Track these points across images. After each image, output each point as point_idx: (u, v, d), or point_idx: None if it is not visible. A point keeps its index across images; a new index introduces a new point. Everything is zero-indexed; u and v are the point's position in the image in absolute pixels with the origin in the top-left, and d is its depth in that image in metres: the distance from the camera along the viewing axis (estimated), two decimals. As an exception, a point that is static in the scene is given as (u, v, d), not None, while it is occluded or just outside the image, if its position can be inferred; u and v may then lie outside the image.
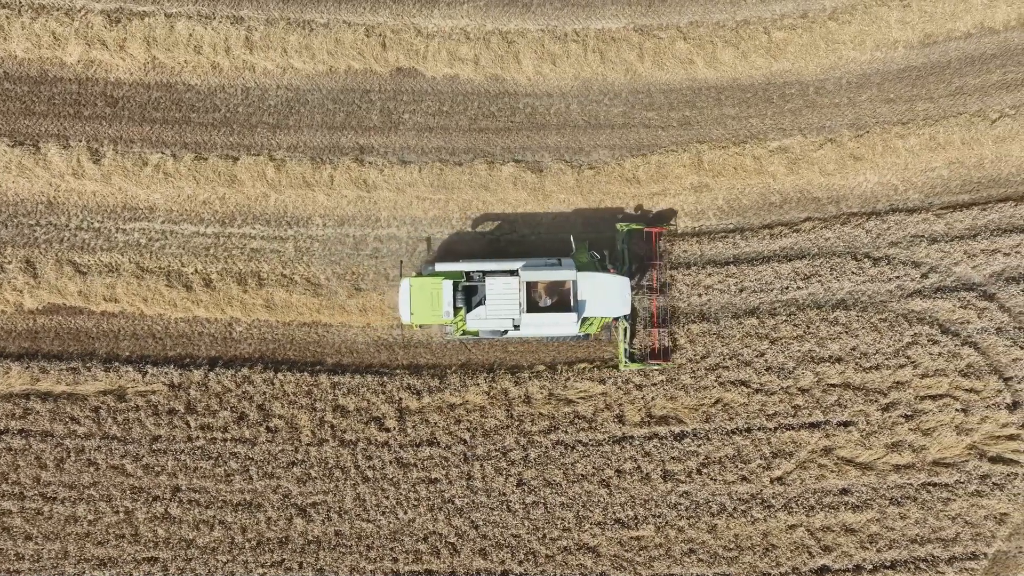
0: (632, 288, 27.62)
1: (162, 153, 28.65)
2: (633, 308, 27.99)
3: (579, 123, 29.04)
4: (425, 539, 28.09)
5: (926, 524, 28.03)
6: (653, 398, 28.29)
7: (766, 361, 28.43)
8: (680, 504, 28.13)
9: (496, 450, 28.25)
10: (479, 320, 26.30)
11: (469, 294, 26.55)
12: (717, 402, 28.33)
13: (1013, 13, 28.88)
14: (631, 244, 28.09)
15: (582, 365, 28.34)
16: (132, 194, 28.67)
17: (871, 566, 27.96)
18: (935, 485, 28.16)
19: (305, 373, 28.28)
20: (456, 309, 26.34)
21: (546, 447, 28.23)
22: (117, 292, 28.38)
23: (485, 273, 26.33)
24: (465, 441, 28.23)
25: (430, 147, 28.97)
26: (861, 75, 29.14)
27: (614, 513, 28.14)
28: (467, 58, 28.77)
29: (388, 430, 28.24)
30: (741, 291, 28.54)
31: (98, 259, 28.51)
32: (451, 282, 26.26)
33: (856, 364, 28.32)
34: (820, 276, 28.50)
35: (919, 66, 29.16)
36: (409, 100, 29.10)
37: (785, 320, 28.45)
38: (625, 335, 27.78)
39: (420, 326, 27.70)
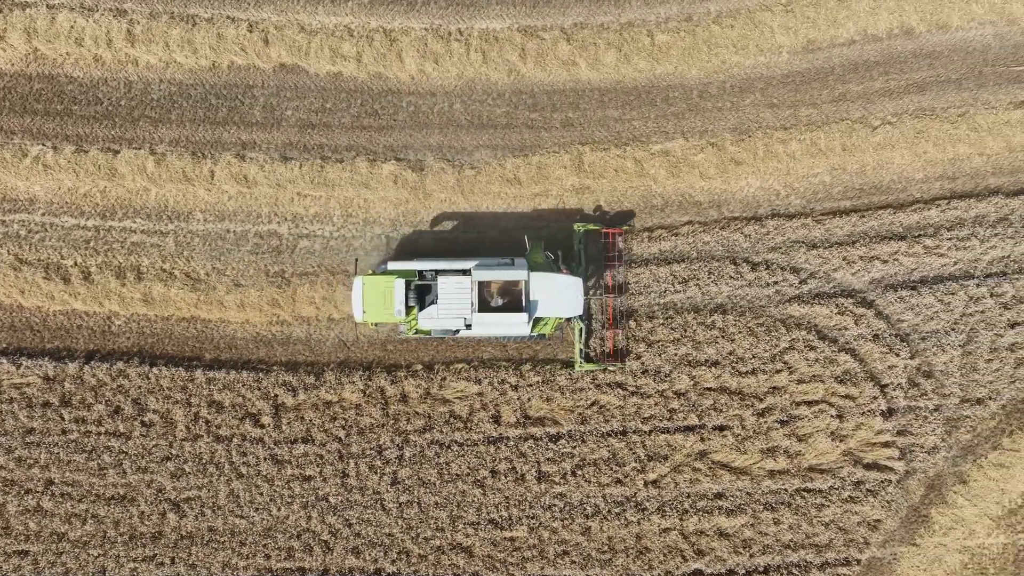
0: (589, 288, 27.60)
1: (43, 145, 28.57)
2: (590, 308, 27.92)
3: (462, 122, 29.00)
4: (298, 536, 28.04)
5: (800, 529, 28.04)
6: (529, 399, 28.26)
7: (642, 364, 28.41)
8: (554, 505, 28.11)
9: (371, 448, 28.21)
10: (431, 319, 26.19)
11: (423, 293, 26.42)
12: (593, 404, 28.30)
13: (895, 21, 28.91)
14: (588, 244, 28.06)
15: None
16: (11, 186, 28.59)
17: (744, 571, 27.96)
18: (809, 491, 28.18)
19: (181, 368, 28.21)
20: (409, 308, 26.20)
21: (421, 446, 28.20)
22: (-7, 284, 28.35)
23: (437, 272, 26.20)
24: (340, 439, 28.19)
25: (312, 144, 28.92)
26: (745, 79, 29.13)
27: (488, 513, 28.10)
28: (350, 55, 28.72)
29: (263, 427, 28.18)
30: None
31: (-25, 250, 28.48)
32: (403, 281, 26.11)
33: (732, 368, 28.32)
34: (698, 280, 28.49)
35: (803, 71, 29.17)
36: (292, 96, 29.05)
37: (662, 323, 28.44)
38: (581, 335, 27.73)
39: (375, 324, 27.53)
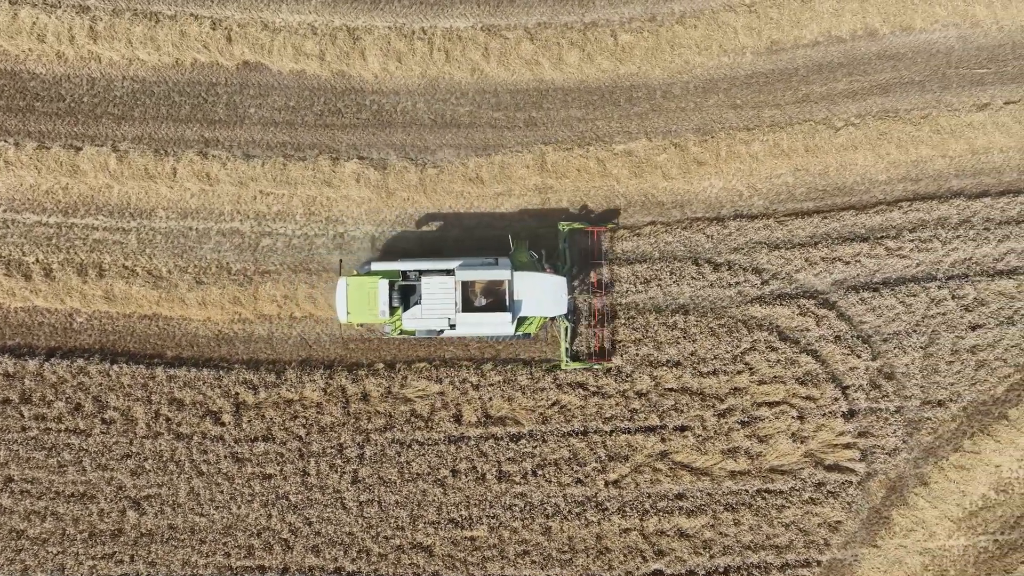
0: (575, 287, 27.70)
1: (4, 141, 28.52)
2: (576, 307, 27.94)
3: (425, 121, 28.98)
4: (259, 534, 28.01)
5: (760, 531, 28.04)
6: (490, 398, 28.24)
7: (604, 364, 28.40)
8: (515, 505, 28.09)
9: (331, 447, 28.18)
10: (415, 319, 26.13)
11: (407, 293, 26.34)
12: (554, 404, 28.28)
13: (859, 22, 28.90)
14: (573, 243, 28.05)
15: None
16: (-27, 182, 28.58)
17: (704, 571, 27.95)
18: (770, 492, 28.18)
19: (141, 366, 28.16)
20: (393, 308, 26.14)
21: (382, 445, 28.17)
22: (-46, 280, 28.31)
23: (421, 272, 26.14)
24: (301, 437, 28.16)
25: (275, 142, 28.89)
26: (708, 80, 29.13)
27: (448, 513, 28.08)
28: (312, 53, 28.69)
29: (224, 424, 28.15)
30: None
31: (-64, 246, 28.45)
32: (387, 281, 26.06)
33: (694, 369, 28.32)
34: (660, 280, 28.47)
35: (766, 72, 29.16)
36: (255, 94, 29.01)
37: (624, 323, 28.42)
38: (566, 334, 27.70)
39: (360, 325, 27.42)
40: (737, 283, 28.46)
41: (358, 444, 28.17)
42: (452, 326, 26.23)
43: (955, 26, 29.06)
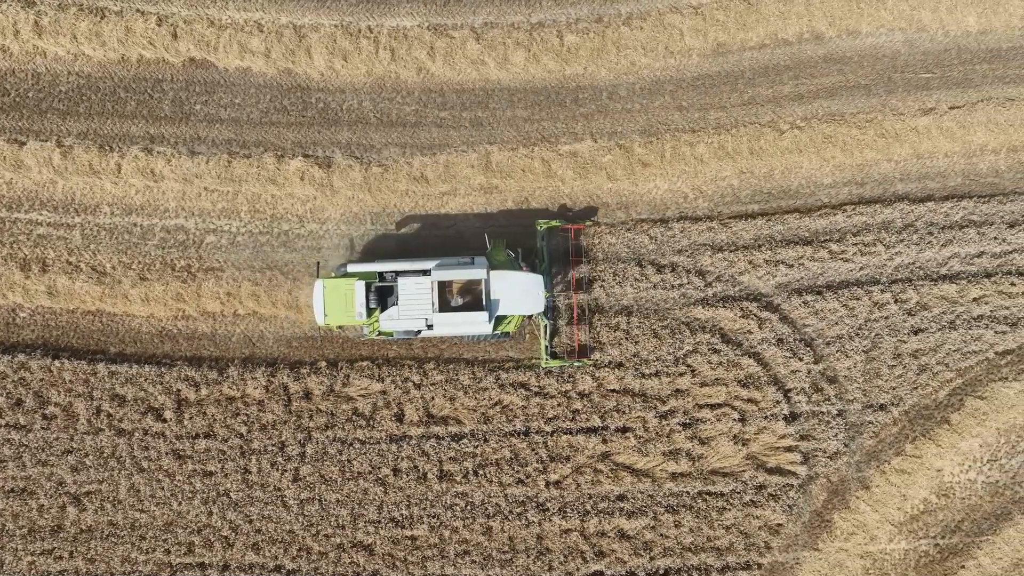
0: (554, 285, 27.77)
1: (-52, 136, 28.50)
2: (555, 306, 27.94)
3: (371, 120, 28.96)
4: (199, 531, 27.99)
5: (701, 533, 28.06)
6: (432, 398, 28.23)
7: (547, 364, 28.41)
8: (456, 505, 28.08)
9: (273, 445, 28.16)
10: (392, 320, 26.10)
11: (384, 294, 26.31)
12: (496, 404, 28.28)
13: (805, 26, 28.91)
14: (551, 241, 28.08)
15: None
16: (-83, 176, 28.52)
17: (644, 573, 27.97)
18: (711, 494, 28.19)
19: (83, 362, 28.11)
20: (371, 310, 26.10)
21: (323, 443, 28.15)
22: None
23: (397, 273, 26.11)
24: (242, 435, 28.13)
25: (221, 139, 28.85)
26: (655, 82, 29.12)
27: (389, 512, 28.08)
28: (258, 51, 28.66)
29: (165, 421, 28.12)
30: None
31: None
32: (364, 283, 26.02)
33: (636, 370, 28.31)
34: (603, 281, 28.47)
35: (712, 75, 29.15)
36: (201, 91, 28.97)
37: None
38: (546, 332, 27.69)
39: (340, 327, 27.46)
40: (680, 285, 28.46)
41: (299, 442, 28.15)
42: (430, 326, 26.19)
43: (901, 30, 29.08)
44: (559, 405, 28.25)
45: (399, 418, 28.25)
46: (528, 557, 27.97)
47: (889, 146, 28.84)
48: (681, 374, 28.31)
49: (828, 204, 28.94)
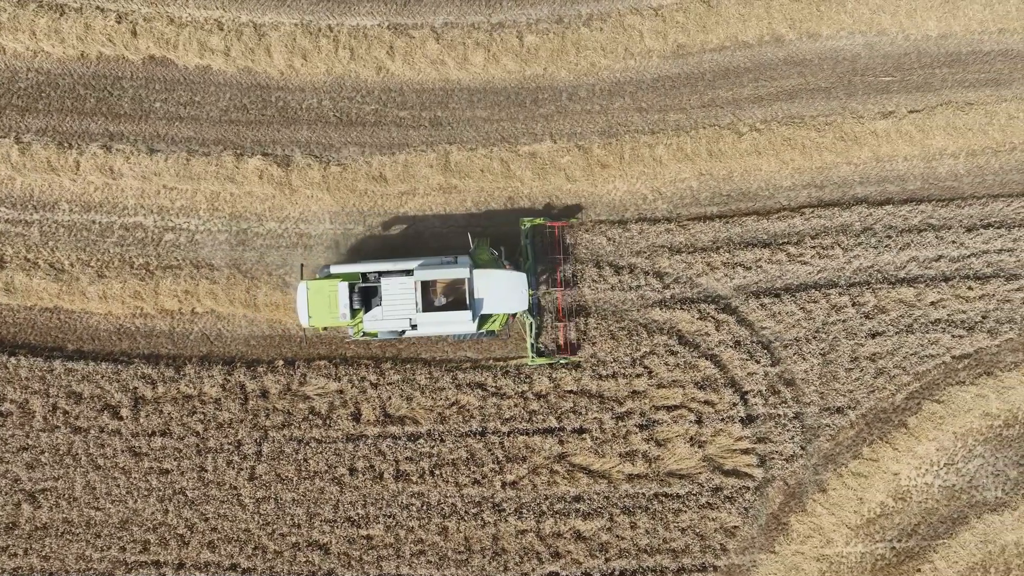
0: (540, 283, 27.81)
1: (-94, 131, 28.47)
2: (540, 303, 27.95)
3: (331, 119, 28.95)
4: (154, 529, 27.97)
5: (657, 534, 28.04)
6: (389, 397, 28.22)
7: (504, 365, 28.40)
8: (412, 505, 28.07)
9: (229, 443, 28.14)
10: (376, 321, 26.07)
11: (368, 295, 26.28)
12: (453, 404, 28.26)
13: (765, 28, 28.90)
14: (535, 239, 28.09)
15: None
16: None
17: (600, 574, 27.94)
18: (667, 496, 28.18)
19: (40, 358, 28.09)
20: (354, 311, 26.06)
21: (280, 442, 28.13)
22: None
23: (381, 274, 26.08)
24: (198, 433, 28.11)
25: (180, 137, 28.85)
26: (615, 83, 29.12)
27: (345, 511, 28.05)
28: (218, 49, 28.65)
29: (122, 419, 28.10)
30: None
31: None
32: (347, 284, 25.96)
33: (593, 371, 28.30)
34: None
35: (672, 76, 29.15)
36: (161, 89, 28.97)
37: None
38: (531, 330, 27.70)
39: (325, 328, 27.48)
40: (638, 287, 28.46)
41: (256, 441, 28.14)
42: (414, 326, 26.16)
43: (861, 34, 29.09)
44: (516, 406, 28.24)
45: (356, 417, 28.24)
46: (484, 558, 27.95)
47: (848, 149, 28.84)
48: (638, 375, 28.31)
49: (787, 207, 28.94)
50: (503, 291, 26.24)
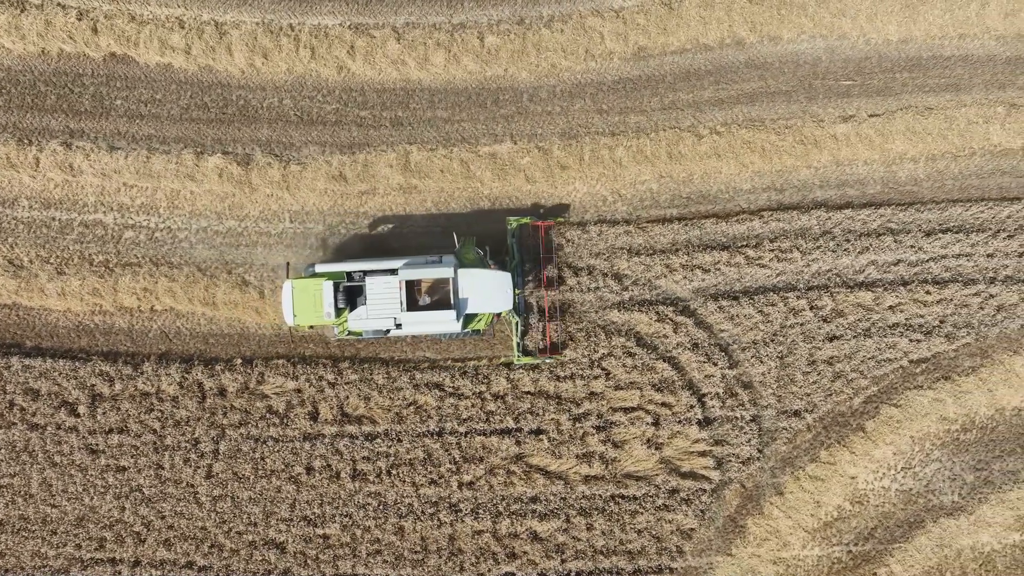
0: (524, 282, 27.82)
1: None
2: (527, 302, 28.00)
3: (291, 118, 28.95)
4: (111, 527, 27.98)
5: (613, 536, 28.06)
6: (347, 397, 28.23)
7: (463, 365, 28.42)
8: (368, 504, 28.09)
9: (186, 441, 28.14)
10: (361, 320, 26.05)
11: (353, 294, 26.24)
12: (410, 404, 28.27)
13: (726, 31, 28.89)
14: (521, 239, 28.09)
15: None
16: None
17: (556, 575, 27.96)
18: (623, 497, 28.20)
19: (-4, 355, 28.15)
20: (340, 310, 26.01)
21: (237, 441, 28.13)
22: None
23: (365, 273, 26.04)
24: (155, 431, 28.11)
25: (141, 135, 28.84)
26: (575, 84, 29.12)
27: (302, 510, 28.07)
28: (179, 47, 28.63)
29: (79, 416, 28.08)
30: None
31: None
32: (332, 283, 25.91)
33: (550, 372, 28.32)
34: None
35: (633, 78, 29.15)
36: (122, 87, 28.95)
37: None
38: (517, 329, 27.72)
39: (311, 327, 27.44)
40: (597, 288, 28.48)
41: (213, 439, 28.14)
42: (399, 325, 26.14)
43: (822, 37, 29.09)
44: (473, 406, 28.25)
45: (313, 417, 28.24)
46: (440, 557, 27.98)
47: (808, 153, 28.86)
48: (596, 377, 28.33)
49: (746, 210, 28.95)
50: (488, 290, 26.24)
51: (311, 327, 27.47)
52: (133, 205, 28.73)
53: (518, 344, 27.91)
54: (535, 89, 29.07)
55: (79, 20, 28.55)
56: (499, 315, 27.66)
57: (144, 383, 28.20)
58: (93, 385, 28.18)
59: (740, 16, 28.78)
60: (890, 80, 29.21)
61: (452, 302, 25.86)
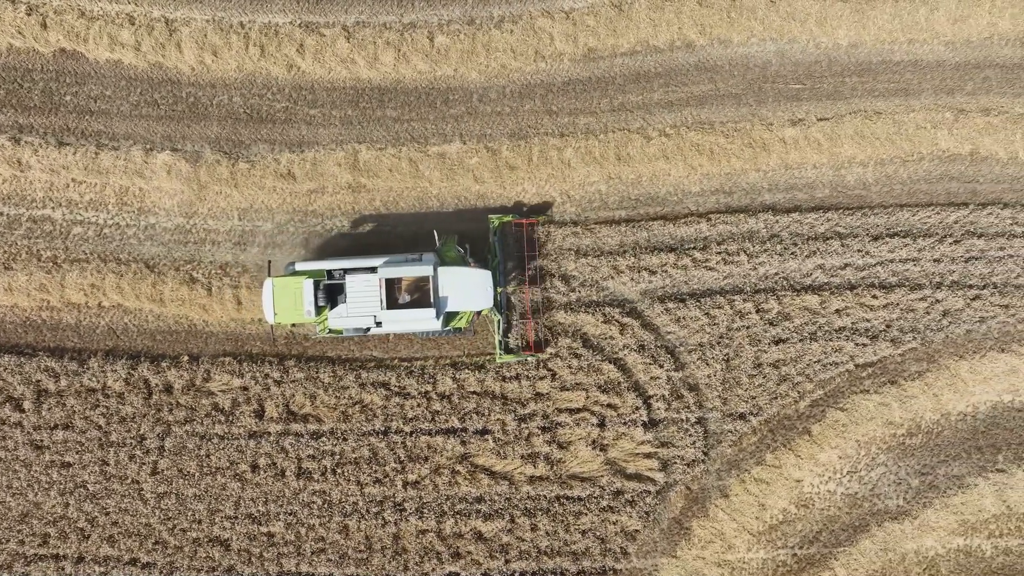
0: (506, 280, 27.82)
1: None
2: (509, 300, 28.02)
3: (241, 116, 28.95)
4: (54, 523, 27.98)
5: (557, 537, 28.08)
6: (293, 395, 28.24)
7: (409, 365, 28.44)
8: (313, 502, 28.09)
9: (131, 438, 28.14)
10: (341, 318, 25.99)
11: (334, 292, 26.13)
12: (356, 403, 28.28)
13: (675, 34, 28.91)
14: (503, 236, 28.08)
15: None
16: None
17: (500, 575, 27.97)
18: (568, 498, 28.21)
19: (-58, 350, 28.13)
20: (320, 308, 25.93)
21: (182, 438, 28.13)
22: None
23: (346, 271, 25.99)
24: (101, 427, 28.10)
25: (90, 130, 28.84)
26: (525, 85, 29.14)
27: (246, 508, 28.07)
28: (128, 44, 28.63)
29: (24, 411, 28.08)
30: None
31: None
32: (312, 281, 25.88)
33: (496, 373, 28.34)
34: (466, 283, 28.46)
35: (583, 80, 29.18)
36: (72, 82, 28.95)
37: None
38: (499, 327, 27.70)
39: (294, 325, 27.42)
40: (543, 289, 28.49)
41: (158, 436, 28.14)
42: (379, 324, 26.09)
43: (772, 41, 29.11)
44: (419, 406, 28.27)
45: (259, 414, 28.25)
46: (384, 556, 28.00)
47: (757, 156, 28.89)
48: (541, 378, 28.35)
49: (695, 212, 28.97)
50: (468, 288, 26.21)
51: (293, 325, 27.40)
52: (82, 201, 28.73)
53: (500, 342, 27.88)
54: (485, 90, 29.10)
55: (28, 15, 28.57)
56: (479, 313, 27.62)
57: (90, 379, 28.19)
58: (39, 381, 28.19)
59: (690, 19, 28.82)
60: (839, 84, 29.25)
61: (432, 300, 25.80)
